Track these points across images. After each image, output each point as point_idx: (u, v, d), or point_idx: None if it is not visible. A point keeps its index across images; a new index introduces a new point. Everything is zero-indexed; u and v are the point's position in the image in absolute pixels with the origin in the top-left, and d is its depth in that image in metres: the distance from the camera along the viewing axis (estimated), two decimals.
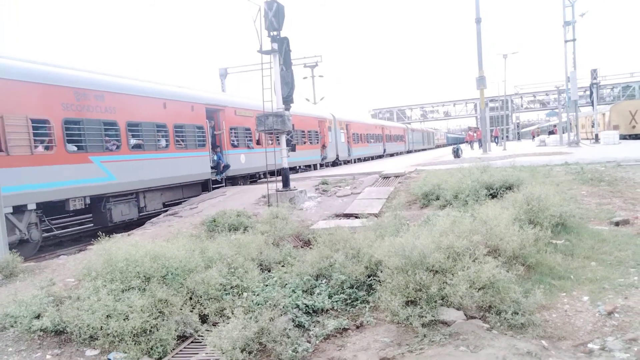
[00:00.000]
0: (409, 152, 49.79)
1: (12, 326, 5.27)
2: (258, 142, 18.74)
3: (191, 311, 5.61)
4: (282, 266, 7.25)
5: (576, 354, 4.48)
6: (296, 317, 5.55)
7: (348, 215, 10.91)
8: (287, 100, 13.14)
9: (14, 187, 9.49)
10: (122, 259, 5.85)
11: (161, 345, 5.04)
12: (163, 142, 13.90)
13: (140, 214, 13.36)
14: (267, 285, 6.39)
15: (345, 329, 5.40)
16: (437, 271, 5.52)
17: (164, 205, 14.22)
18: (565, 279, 6.09)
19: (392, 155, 42.02)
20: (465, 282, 5.19)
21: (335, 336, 5.28)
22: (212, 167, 15.97)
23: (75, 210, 11.63)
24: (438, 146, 74.01)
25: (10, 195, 9.31)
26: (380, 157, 38.40)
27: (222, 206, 11.84)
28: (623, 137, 33.64)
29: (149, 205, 13.68)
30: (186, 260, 6.19)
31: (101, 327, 5.02)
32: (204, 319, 5.71)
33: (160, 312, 5.32)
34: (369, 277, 6.29)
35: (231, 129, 17.00)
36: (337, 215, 11.08)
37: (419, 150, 54.56)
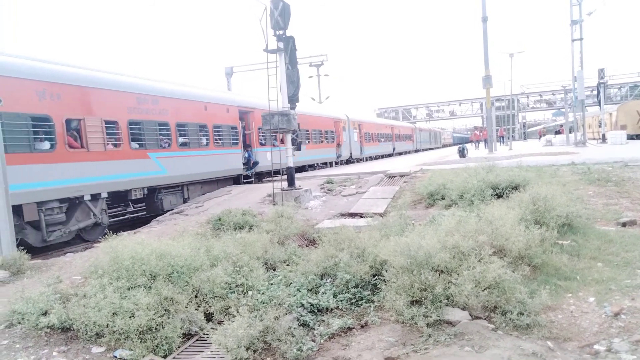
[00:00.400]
0: (416, 151, 50.91)
1: (19, 323, 5.31)
2: (282, 141, 19.16)
3: (196, 309, 5.63)
4: (287, 265, 7.26)
5: (582, 355, 4.46)
6: (301, 316, 5.56)
7: (353, 215, 10.91)
8: (293, 99, 13.15)
9: (92, 178, 11.28)
10: (128, 257, 5.88)
11: (167, 343, 5.06)
12: (204, 141, 15.49)
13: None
14: (272, 284, 6.40)
15: (349, 328, 5.40)
16: (442, 271, 5.51)
17: None
18: (572, 280, 6.06)
19: (400, 154, 43.09)
20: (470, 282, 5.18)
21: (340, 335, 5.28)
22: (243, 164, 17.54)
23: (134, 199, 13.22)
24: (445, 145, 74.70)
25: (89, 185, 11.19)
26: (390, 155, 39.53)
27: (227, 205, 11.87)
28: (630, 137, 33.42)
29: (191, 197, 15.05)
30: (192, 259, 6.21)
31: (107, 324, 5.05)
32: (209, 317, 5.73)
33: (165, 310, 5.34)
34: (374, 276, 6.29)
35: (259, 129, 17.96)
36: (342, 215, 11.08)
37: (426, 150, 55.50)
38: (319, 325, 5.49)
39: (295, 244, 8.52)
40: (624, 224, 8.09)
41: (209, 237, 8.30)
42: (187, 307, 5.52)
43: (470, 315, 5.22)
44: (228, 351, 4.72)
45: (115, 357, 4.93)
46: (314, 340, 5.13)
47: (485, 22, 26.19)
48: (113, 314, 5.12)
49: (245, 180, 17.66)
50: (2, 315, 5.49)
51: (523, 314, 5.06)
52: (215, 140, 15.94)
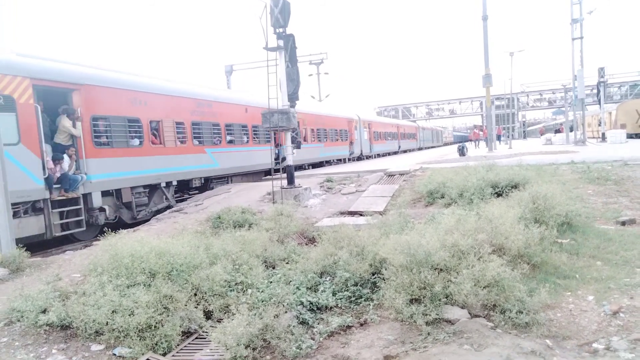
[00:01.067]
0: (420, 149, 53.23)
1: (18, 320, 5.32)
2: (305, 139, 23.17)
3: (196, 307, 5.63)
4: (287, 263, 7.26)
5: (581, 354, 4.46)
6: (300, 314, 5.56)
7: (353, 213, 10.91)
8: (293, 97, 13.13)
9: (167, 169, 13.84)
10: (128, 255, 5.89)
11: (166, 341, 5.06)
12: (245, 139, 18.30)
13: None
14: (271, 282, 6.40)
15: (349, 327, 5.40)
16: (441, 269, 5.52)
17: None
18: (571, 278, 6.07)
19: (405, 151, 45.35)
20: (469, 280, 5.18)
21: (339, 333, 5.29)
22: (275, 159, 19.20)
23: (193, 187, 15.62)
24: (446, 144, 75.93)
25: (165, 174, 13.78)
26: (395, 153, 41.87)
27: (227, 203, 11.87)
28: (630, 136, 33.43)
29: None
30: (191, 257, 6.21)
31: (106, 322, 5.05)
32: (208, 315, 5.73)
33: (165, 308, 5.34)
34: (373, 274, 6.29)
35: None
36: (342, 213, 11.08)
37: (429, 148, 57.78)
38: (318, 324, 5.49)
39: (295, 242, 8.52)
40: (623, 223, 8.10)
41: (208, 235, 8.30)
42: (186, 305, 5.52)
43: (470, 313, 5.23)
44: (227, 349, 4.72)
45: (115, 354, 4.93)
46: (313, 339, 5.13)
47: (486, 20, 26.16)
48: (112, 311, 5.12)
49: (275, 174, 19.39)
50: (2, 312, 5.50)
51: (522, 313, 5.06)
52: (254, 138, 18.80)
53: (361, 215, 10.42)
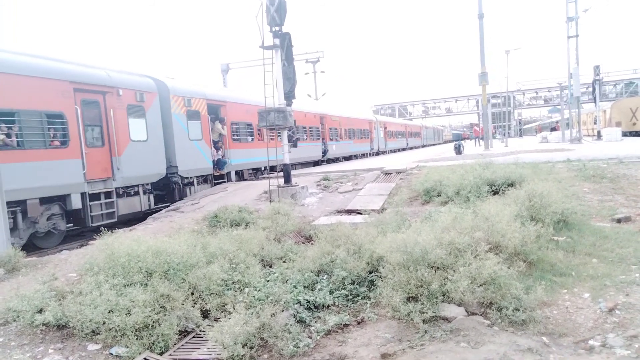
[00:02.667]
0: (424, 146, 58.73)
1: (14, 320, 5.30)
2: (340, 137, 29.98)
3: (193, 306, 5.62)
4: (284, 262, 7.25)
5: (577, 351, 4.49)
6: (297, 312, 5.56)
7: (349, 211, 10.91)
8: (289, 95, 13.11)
9: (261, 158, 17.02)
10: (124, 254, 5.87)
11: (163, 340, 5.06)
12: (305, 136, 23.83)
13: None
14: (268, 281, 6.40)
15: (346, 325, 5.41)
16: (438, 267, 5.53)
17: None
18: (567, 276, 6.09)
19: (412, 148, 50.72)
20: (466, 278, 5.19)
21: (337, 332, 5.29)
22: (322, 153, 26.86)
23: (278, 170, 19.78)
24: (446, 141, 77.32)
25: (264, 161, 16.05)
26: (404, 149, 47.09)
27: (223, 202, 11.85)
28: (624, 134, 33.54)
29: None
30: (188, 256, 6.20)
31: (103, 321, 5.04)
32: (205, 314, 5.72)
33: (162, 307, 5.33)
34: (370, 273, 6.30)
35: (330, 128, 28.32)
36: (339, 211, 11.08)
37: (431, 145, 63.65)
38: (315, 322, 5.49)
39: (292, 241, 8.51)
40: (618, 220, 8.13)
41: (205, 234, 8.29)
42: (183, 304, 5.51)
43: (466, 311, 5.24)
44: (224, 348, 4.72)
45: (112, 354, 4.92)
46: (310, 337, 5.14)
47: (482, 19, 26.19)
48: (109, 311, 5.11)
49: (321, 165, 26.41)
50: None
51: (518, 310, 5.08)
52: (310, 136, 24.87)
53: (358, 213, 10.43)
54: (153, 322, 5.12)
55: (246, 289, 6.10)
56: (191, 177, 15.11)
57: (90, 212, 11.43)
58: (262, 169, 19.39)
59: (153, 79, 14.19)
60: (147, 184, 13.48)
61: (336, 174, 15.83)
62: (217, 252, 6.82)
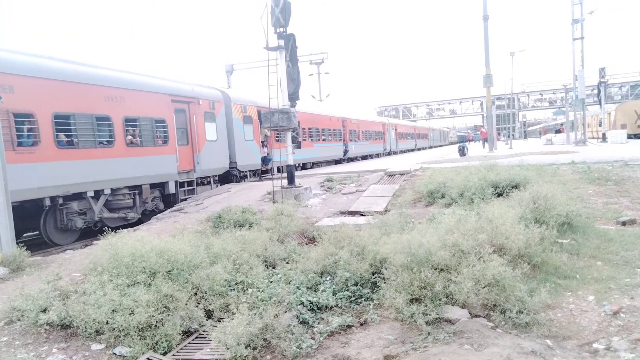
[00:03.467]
0: (430, 147, 61.10)
1: (19, 320, 5.32)
2: (358, 139, 33.75)
3: (196, 307, 5.63)
4: (287, 263, 7.26)
5: (581, 354, 4.46)
6: (300, 313, 5.56)
7: (353, 213, 10.90)
8: (293, 96, 13.12)
9: (301, 155, 21.96)
10: (128, 254, 5.88)
11: (166, 340, 5.06)
12: (329, 137, 28.06)
13: None
14: (271, 282, 6.41)
15: (349, 326, 5.40)
16: (442, 269, 5.51)
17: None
18: (571, 279, 6.06)
19: (420, 149, 53.80)
20: (470, 280, 5.18)
21: (340, 333, 5.29)
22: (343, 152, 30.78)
23: (308, 167, 24.88)
24: (451, 143, 78.08)
25: (301, 159, 22.16)
26: (412, 150, 50.45)
27: (227, 202, 11.87)
28: (628, 137, 33.40)
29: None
30: (191, 256, 6.21)
31: (107, 321, 5.05)
32: (208, 314, 5.73)
33: (165, 307, 5.34)
34: (373, 274, 6.29)
35: (350, 130, 32.05)
36: (342, 213, 11.08)
37: (438, 146, 66.50)
38: (318, 323, 5.49)
39: (295, 242, 8.52)
40: (623, 223, 8.09)
41: (208, 234, 8.30)
42: (186, 305, 5.52)
43: (470, 313, 5.23)
44: (227, 348, 4.72)
45: (115, 354, 4.94)
46: (313, 338, 5.13)
47: (486, 20, 26.16)
48: (113, 311, 5.12)
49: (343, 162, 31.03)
50: (2, 312, 5.50)
51: (522, 313, 5.06)
52: (333, 137, 28.76)
53: (362, 215, 10.42)
54: (156, 322, 5.13)
55: (249, 290, 6.10)
56: (246, 171, 18.37)
57: (179, 196, 14.43)
58: (296, 165, 21.87)
59: (220, 91, 17.51)
60: (216, 176, 16.70)
61: (340, 175, 15.83)
62: (221, 252, 6.83)
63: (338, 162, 29.36)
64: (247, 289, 6.14)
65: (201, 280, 5.93)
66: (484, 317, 5.20)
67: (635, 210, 8.81)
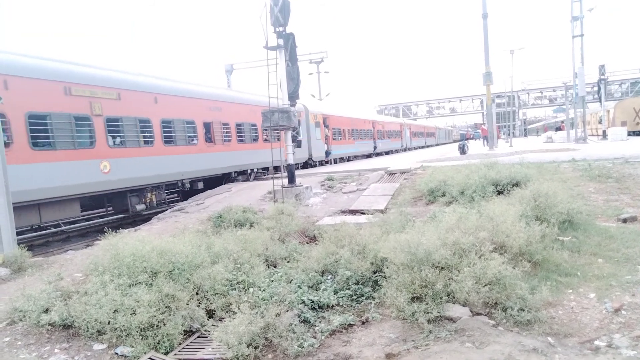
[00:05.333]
0: (437, 144, 66.81)
1: (21, 320, 5.32)
2: (382, 137, 39.90)
3: (198, 306, 5.64)
4: (288, 262, 7.26)
5: (582, 351, 4.46)
6: (302, 312, 5.56)
7: (354, 212, 10.91)
8: (293, 96, 13.12)
9: (349, 150, 31.20)
10: (129, 254, 5.89)
11: (168, 340, 5.07)
12: (363, 136, 34.60)
13: None
14: (273, 281, 6.41)
15: (350, 325, 5.41)
16: (442, 267, 5.52)
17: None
18: (572, 276, 6.06)
19: (429, 146, 60.05)
20: (471, 278, 5.18)
21: (341, 332, 5.29)
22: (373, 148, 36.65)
23: (351, 160, 31.41)
24: (455, 140, 78.98)
25: (350, 152, 31.28)
26: (422, 147, 55.78)
27: (228, 202, 11.88)
28: (627, 134, 33.37)
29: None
30: (192, 256, 6.21)
31: (108, 321, 5.05)
32: (210, 314, 5.74)
33: (167, 307, 5.34)
34: (374, 273, 6.30)
35: (378, 130, 38.32)
36: (343, 212, 11.08)
37: (443, 143, 71.75)
38: (319, 322, 5.50)
39: (296, 241, 8.52)
40: (624, 220, 8.09)
41: (209, 234, 8.30)
42: (188, 304, 5.52)
43: (471, 311, 5.23)
44: (229, 348, 4.72)
45: (117, 354, 4.94)
46: (314, 337, 5.14)
47: (486, 18, 26.13)
48: (114, 311, 5.12)
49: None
50: (4, 312, 5.51)
51: (524, 310, 5.07)
52: (366, 136, 35.32)
53: (362, 213, 10.42)
54: (158, 322, 5.13)
55: (250, 289, 6.10)
56: (316, 162, 25.47)
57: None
58: (346, 158, 30.69)
59: (303, 105, 23.77)
60: (300, 164, 23.03)
61: (340, 174, 15.83)
62: (222, 252, 6.84)
63: (369, 156, 35.02)
64: (248, 288, 6.15)
65: (202, 280, 5.94)
66: (486, 315, 5.20)
67: (636, 208, 8.80)
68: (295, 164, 19.13)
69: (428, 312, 5.10)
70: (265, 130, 15.47)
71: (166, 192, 15.13)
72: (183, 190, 15.87)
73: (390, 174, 14.72)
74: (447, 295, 5.30)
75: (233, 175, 18.55)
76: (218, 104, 17.42)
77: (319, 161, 26.10)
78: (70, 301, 5.53)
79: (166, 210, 13.26)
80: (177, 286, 5.62)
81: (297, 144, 15.82)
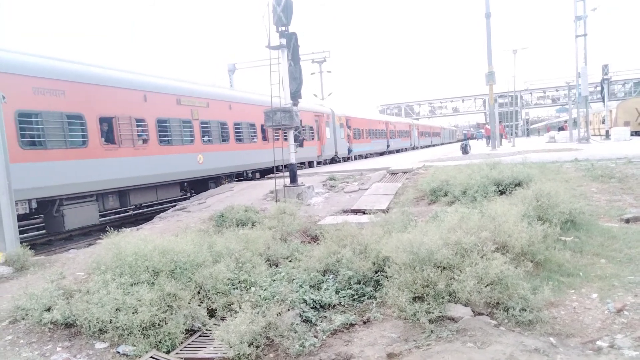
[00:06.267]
0: (442, 143, 70.13)
1: (23, 319, 5.34)
2: (394, 137, 43.93)
3: (199, 305, 5.64)
4: (290, 261, 7.26)
5: (585, 352, 4.45)
6: (303, 312, 5.56)
7: (355, 211, 10.90)
8: (295, 95, 13.12)
9: (357, 149, 32.81)
10: (131, 253, 5.90)
11: (169, 339, 5.08)
12: (378, 135, 38.47)
13: None
14: (274, 280, 6.41)
15: (352, 325, 5.40)
16: (444, 267, 5.51)
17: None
18: (574, 276, 6.05)
19: (435, 145, 63.75)
20: (473, 278, 5.17)
21: (342, 331, 5.29)
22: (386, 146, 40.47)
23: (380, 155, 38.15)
24: (458, 140, 78.62)
25: (357, 151, 32.83)
26: (429, 146, 59.59)
27: (230, 201, 11.88)
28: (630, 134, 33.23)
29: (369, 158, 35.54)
30: (194, 255, 6.22)
31: (110, 320, 5.06)
32: (212, 313, 5.74)
33: (168, 306, 5.35)
34: (376, 272, 6.29)
35: (390, 130, 42.74)
36: (345, 211, 11.08)
37: (448, 143, 74.86)
38: (321, 322, 5.49)
39: (298, 241, 8.52)
40: (627, 221, 8.06)
41: (211, 233, 8.31)
42: (190, 303, 5.53)
43: (473, 311, 5.22)
44: (231, 347, 4.73)
45: (119, 352, 4.95)
46: (316, 336, 5.14)
47: (489, 18, 26.07)
48: (116, 309, 5.13)
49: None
50: (6, 311, 5.52)
51: (525, 310, 5.06)
52: (380, 135, 39.09)
53: (364, 213, 10.42)
54: (160, 320, 5.14)
55: (252, 288, 6.11)
56: (340, 158, 29.33)
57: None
58: (364, 155, 34.26)
59: (330, 108, 28.52)
60: (328, 160, 27.78)
61: (342, 173, 15.82)
62: (224, 251, 6.84)
63: (382, 153, 38.81)
64: (250, 288, 6.15)
65: (204, 279, 5.94)
66: (487, 315, 5.20)
67: (639, 208, 8.77)
68: (324, 160, 27.02)
69: (430, 312, 5.09)
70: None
71: (236, 180, 18.57)
72: (247, 179, 19.49)
73: (392, 173, 14.71)
74: (449, 295, 5.29)
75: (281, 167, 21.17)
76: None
77: (342, 157, 30.16)
78: (72, 300, 5.54)
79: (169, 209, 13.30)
80: (178, 285, 5.63)
81: (299, 143, 15.90)
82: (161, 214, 12.33)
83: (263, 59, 20.00)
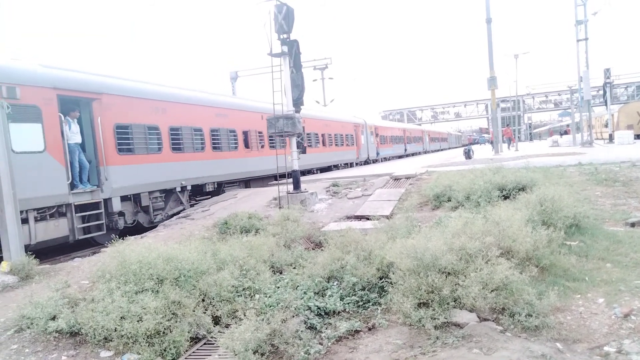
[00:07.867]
0: (449, 148, 72.32)
1: (28, 327, 5.35)
2: (409, 142, 47.80)
3: (204, 313, 5.64)
4: (294, 268, 7.25)
5: (592, 357, 4.43)
6: (308, 319, 5.55)
7: (359, 217, 10.89)
8: (297, 102, 13.15)
9: (383, 153, 37.57)
10: (136, 261, 5.91)
11: (174, 347, 5.07)
12: (398, 140, 43.28)
13: None
14: (278, 287, 6.40)
15: (357, 331, 5.39)
16: (449, 273, 5.49)
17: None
18: (580, 281, 6.02)
19: (442, 149, 66.21)
20: (478, 283, 5.15)
21: (347, 338, 5.28)
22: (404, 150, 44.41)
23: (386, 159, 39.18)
24: (463, 145, 78.32)
25: (384, 155, 37.52)
26: (437, 150, 62.33)
27: (233, 208, 11.89)
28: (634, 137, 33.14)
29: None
30: (198, 262, 6.22)
31: (115, 328, 5.07)
32: (216, 320, 5.74)
33: (173, 314, 5.35)
34: (380, 279, 6.28)
35: (407, 136, 47.20)
36: (348, 217, 11.07)
37: (454, 147, 76.59)
38: (326, 328, 5.48)
39: (302, 247, 8.51)
40: (632, 224, 8.03)
41: (215, 240, 8.31)
42: (194, 311, 5.53)
43: (478, 317, 5.20)
44: (235, 354, 4.72)
45: None
46: (321, 343, 5.12)
47: (490, 23, 26.11)
48: (121, 318, 5.14)
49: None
50: (12, 320, 5.54)
51: (531, 316, 5.03)
52: (399, 141, 43.17)
53: (368, 219, 10.40)
54: (164, 328, 5.14)
55: (257, 296, 6.10)
56: (370, 160, 33.06)
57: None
58: (388, 158, 38.20)
59: (363, 119, 33.10)
60: (362, 161, 31.55)
61: (345, 179, 15.82)
62: (228, 258, 6.84)
63: (400, 157, 42.61)
64: (254, 295, 6.15)
65: (208, 287, 5.94)
66: (493, 321, 5.17)
67: None
68: (359, 161, 31.31)
69: (435, 318, 5.07)
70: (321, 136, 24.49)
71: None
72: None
73: (395, 179, 14.70)
74: (454, 301, 5.27)
75: (314, 171, 25.41)
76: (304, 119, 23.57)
77: (372, 160, 34.77)
78: (77, 308, 5.55)
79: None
80: (183, 293, 5.63)
81: (302, 149, 15.87)
82: (165, 222, 12.33)
83: (265, 67, 20.22)
